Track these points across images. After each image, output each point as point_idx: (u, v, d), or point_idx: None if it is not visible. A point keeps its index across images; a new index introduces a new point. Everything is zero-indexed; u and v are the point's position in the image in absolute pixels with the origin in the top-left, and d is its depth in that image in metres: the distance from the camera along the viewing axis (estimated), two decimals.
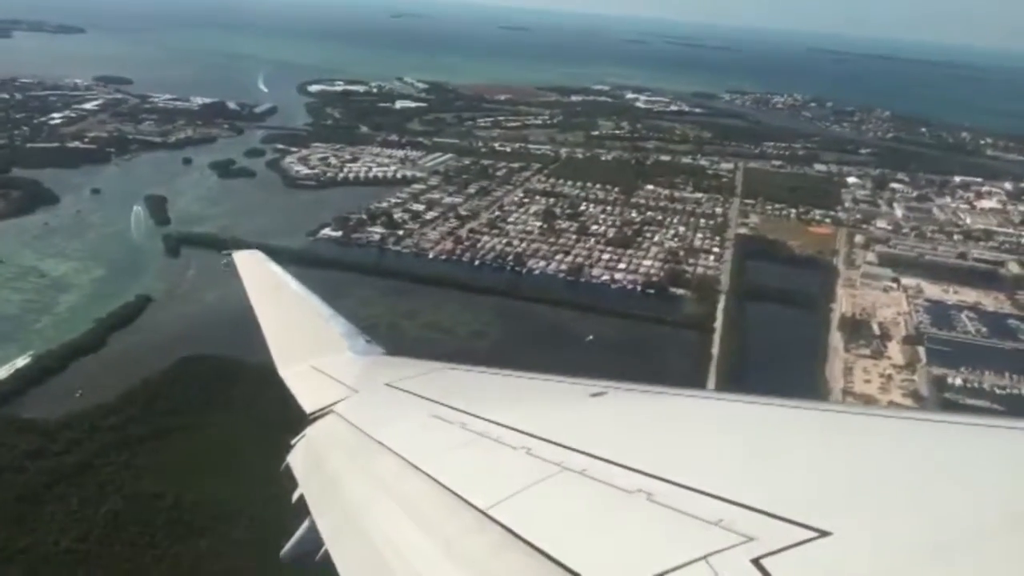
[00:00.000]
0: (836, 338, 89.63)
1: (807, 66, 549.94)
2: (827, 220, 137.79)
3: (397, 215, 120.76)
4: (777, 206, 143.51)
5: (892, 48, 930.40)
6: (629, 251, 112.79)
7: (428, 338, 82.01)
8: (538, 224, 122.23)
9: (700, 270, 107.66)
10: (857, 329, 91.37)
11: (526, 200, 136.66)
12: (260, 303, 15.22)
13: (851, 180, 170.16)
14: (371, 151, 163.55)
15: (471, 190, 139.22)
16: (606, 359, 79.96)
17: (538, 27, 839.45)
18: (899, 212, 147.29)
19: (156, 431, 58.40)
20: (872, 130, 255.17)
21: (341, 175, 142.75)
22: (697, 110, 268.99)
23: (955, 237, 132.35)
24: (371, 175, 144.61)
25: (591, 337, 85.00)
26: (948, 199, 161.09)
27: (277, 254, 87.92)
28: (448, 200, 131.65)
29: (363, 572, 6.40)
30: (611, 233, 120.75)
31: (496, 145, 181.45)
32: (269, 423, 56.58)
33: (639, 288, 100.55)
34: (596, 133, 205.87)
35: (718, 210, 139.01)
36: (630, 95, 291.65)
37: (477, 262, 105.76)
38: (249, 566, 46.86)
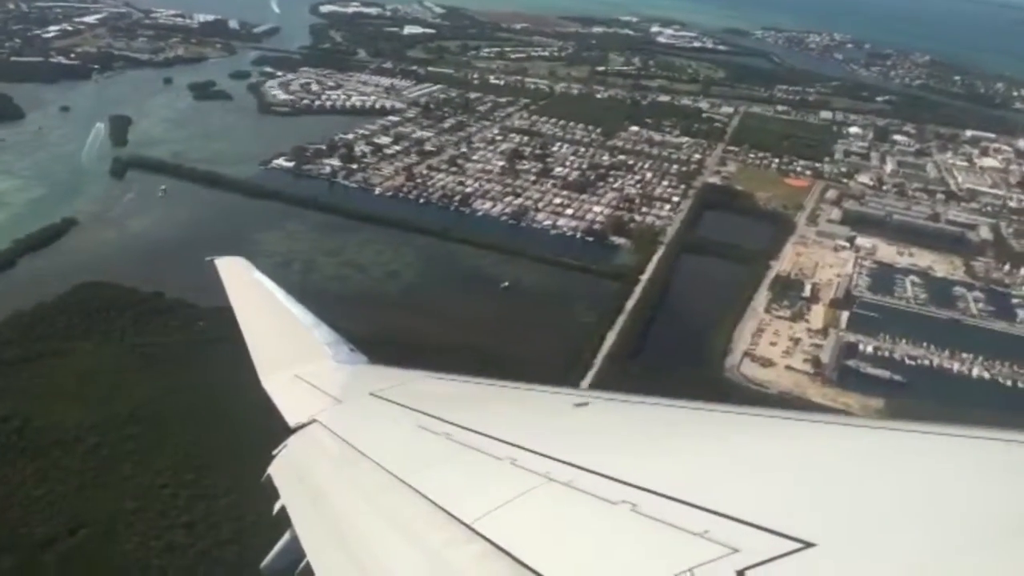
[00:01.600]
0: (762, 297, 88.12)
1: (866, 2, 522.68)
2: (808, 172, 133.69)
3: (359, 148, 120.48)
4: (762, 155, 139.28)
5: None
6: (584, 196, 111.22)
7: (341, 275, 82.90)
8: (500, 164, 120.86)
9: (651, 219, 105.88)
10: (787, 289, 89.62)
11: (499, 137, 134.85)
12: (242, 311, 15.05)
13: (852, 130, 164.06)
14: (360, 78, 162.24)
15: (446, 124, 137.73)
16: (513, 306, 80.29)
17: None
18: (889, 167, 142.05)
19: (27, 355, 60.65)
20: (902, 76, 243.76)
21: (318, 102, 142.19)
22: (721, 47, 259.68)
23: (937, 196, 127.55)
24: (349, 104, 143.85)
25: (506, 284, 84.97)
26: (949, 155, 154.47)
27: (222, 182, 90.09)
28: (418, 134, 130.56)
29: None
30: (574, 176, 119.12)
31: (492, 78, 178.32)
32: (138, 353, 59.07)
33: (579, 235, 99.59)
34: (602, 69, 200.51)
35: (697, 156, 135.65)
36: (655, 28, 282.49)
37: (422, 200, 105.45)
38: (68, 492, 49.53)
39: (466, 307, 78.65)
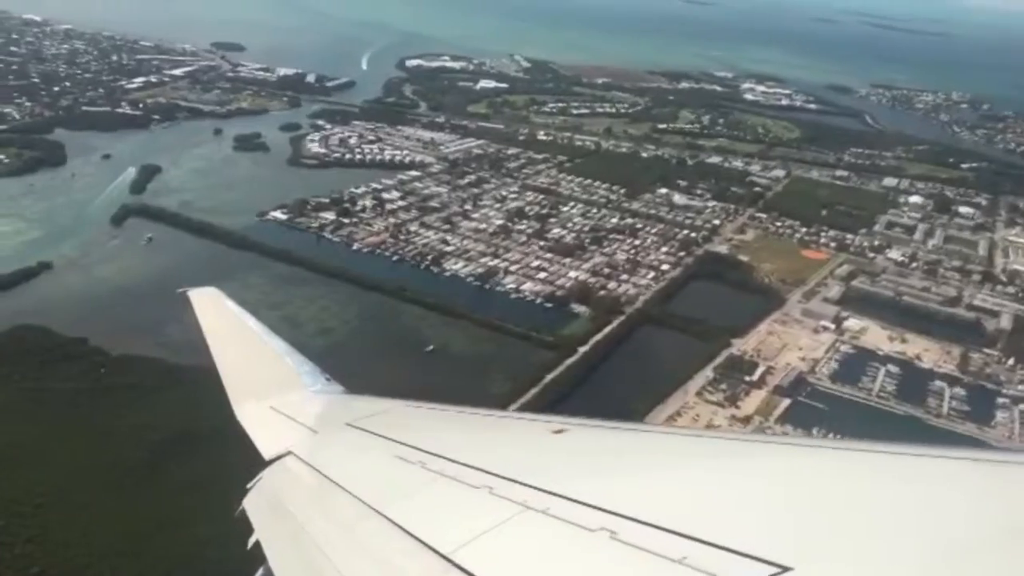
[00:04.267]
0: (702, 378, 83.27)
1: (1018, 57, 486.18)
2: (833, 244, 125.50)
3: (363, 202, 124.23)
4: (789, 223, 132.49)
5: None
6: (568, 259, 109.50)
7: (271, 329, 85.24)
8: (499, 222, 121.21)
9: (627, 287, 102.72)
10: (734, 370, 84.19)
11: (512, 195, 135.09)
12: (216, 341, 15.11)
13: (911, 199, 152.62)
14: (405, 132, 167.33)
15: (464, 181, 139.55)
16: (428, 372, 79.64)
17: (723, 1, 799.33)
18: (933, 241, 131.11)
19: None
20: (1008, 141, 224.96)
21: (349, 156, 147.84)
22: (811, 106, 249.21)
23: (973, 277, 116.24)
24: (379, 158, 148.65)
25: (431, 348, 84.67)
26: (1017, 231, 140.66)
27: (211, 232, 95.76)
28: (431, 190, 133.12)
29: None
30: (569, 238, 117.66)
31: (541, 133, 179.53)
32: (25, 396, 62.96)
33: (540, 300, 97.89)
34: (663, 126, 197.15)
35: (716, 222, 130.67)
36: (746, 85, 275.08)
37: (396, 257, 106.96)
38: None
39: (379, 369, 78.18)
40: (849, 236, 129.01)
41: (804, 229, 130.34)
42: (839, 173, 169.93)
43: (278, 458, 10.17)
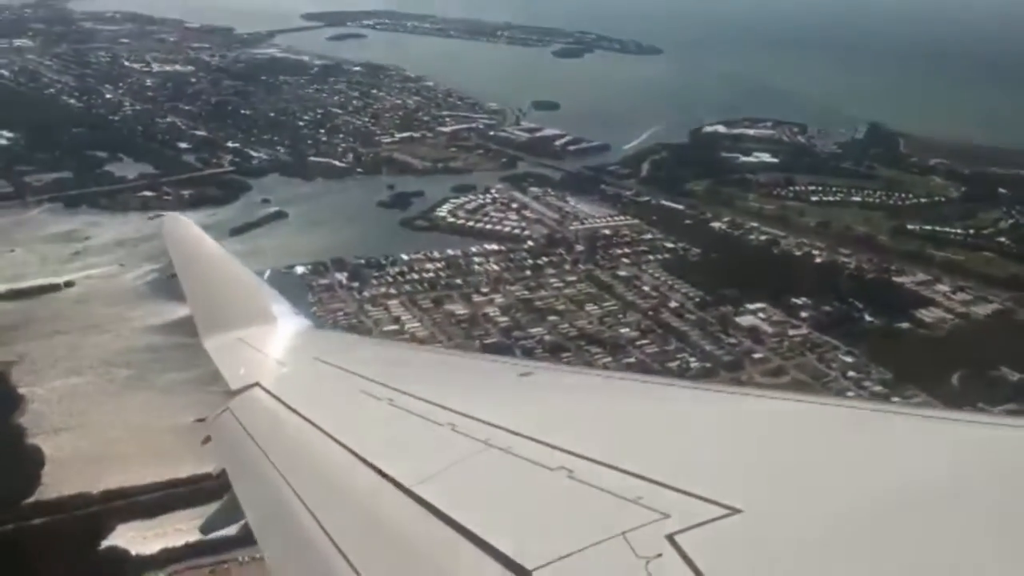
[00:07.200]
0: None
1: None
2: None
3: (394, 269, 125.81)
4: None
5: None
6: None
7: None
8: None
9: None
10: None
11: (562, 284, 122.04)
12: (184, 270, 15.36)
13: None
14: (557, 203, 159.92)
15: (528, 263, 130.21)
16: None
17: None
18: None
19: None
20: None
21: (465, 223, 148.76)
22: None
23: None
24: (491, 228, 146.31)
25: None
26: None
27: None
28: (482, 268, 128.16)
29: (284, 545, 6.79)
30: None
31: (728, 218, 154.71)
32: None
33: None
34: (914, 227, 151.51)
35: None
36: None
37: None
38: None
39: None
40: None
41: None
42: None
43: (244, 389, 10.36)
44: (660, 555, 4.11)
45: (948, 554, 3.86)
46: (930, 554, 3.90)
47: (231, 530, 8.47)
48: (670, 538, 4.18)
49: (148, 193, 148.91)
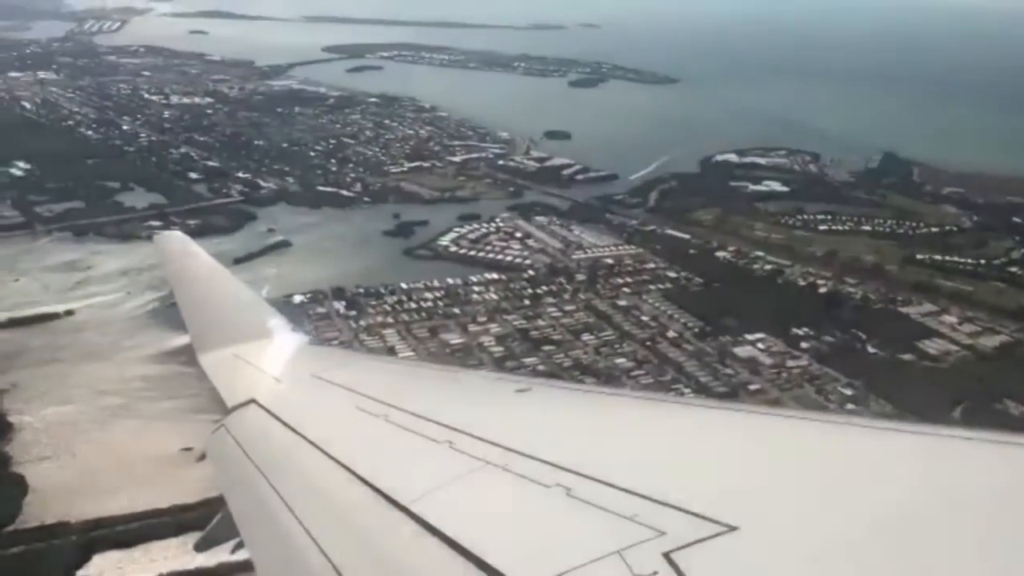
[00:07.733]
0: None
1: None
2: None
3: (392, 299, 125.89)
4: None
5: None
6: None
7: None
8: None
9: None
10: None
11: (561, 313, 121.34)
12: (180, 286, 15.61)
13: None
14: (562, 232, 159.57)
15: (527, 292, 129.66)
16: None
17: None
18: None
19: None
20: None
21: (466, 251, 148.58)
22: None
23: None
24: (493, 257, 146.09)
25: None
26: None
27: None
28: (481, 297, 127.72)
29: (278, 563, 6.73)
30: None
31: (734, 247, 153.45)
32: None
33: None
34: (923, 257, 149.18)
35: None
36: None
37: None
38: None
39: None
40: None
41: None
42: None
43: (241, 406, 10.35)
44: (656, 573, 4.15)
45: (943, 571, 3.85)
46: (926, 571, 3.90)
47: (224, 548, 8.29)
48: (666, 556, 4.21)
49: (155, 223, 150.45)
